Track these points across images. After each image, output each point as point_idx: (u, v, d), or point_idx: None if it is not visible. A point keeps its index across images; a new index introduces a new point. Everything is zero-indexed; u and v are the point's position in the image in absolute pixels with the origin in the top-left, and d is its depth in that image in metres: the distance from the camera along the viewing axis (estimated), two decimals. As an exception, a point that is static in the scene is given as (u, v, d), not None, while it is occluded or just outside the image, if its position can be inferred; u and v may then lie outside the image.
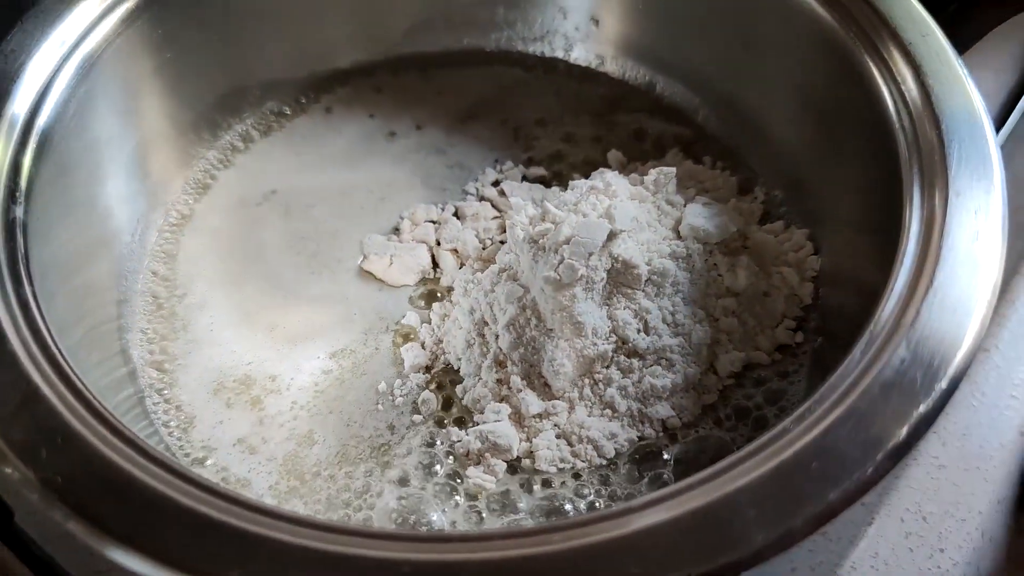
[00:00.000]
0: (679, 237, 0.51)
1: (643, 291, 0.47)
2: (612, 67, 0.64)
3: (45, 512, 0.33)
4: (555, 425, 0.46)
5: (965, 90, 0.44)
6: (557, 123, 0.62)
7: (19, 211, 0.42)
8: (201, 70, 0.57)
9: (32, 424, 0.34)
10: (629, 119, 0.62)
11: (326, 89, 0.63)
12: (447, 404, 0.49)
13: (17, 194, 0.42)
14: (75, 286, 0.46)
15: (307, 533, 0.31)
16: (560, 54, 0.65)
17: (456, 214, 0.57)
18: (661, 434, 0.47)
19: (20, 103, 0.44)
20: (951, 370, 0.35)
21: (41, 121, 0.45)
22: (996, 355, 0.50)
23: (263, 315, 0.52)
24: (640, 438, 0.46)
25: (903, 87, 0.44)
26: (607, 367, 0.47)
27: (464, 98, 0.63)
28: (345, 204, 0.58)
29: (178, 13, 0.53)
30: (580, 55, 0.64)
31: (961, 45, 0.47)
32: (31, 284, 0.39)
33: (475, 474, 0.45)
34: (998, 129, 0.50)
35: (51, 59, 0.46)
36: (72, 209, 0.48)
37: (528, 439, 0.46)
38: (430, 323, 0.52)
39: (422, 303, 0.54)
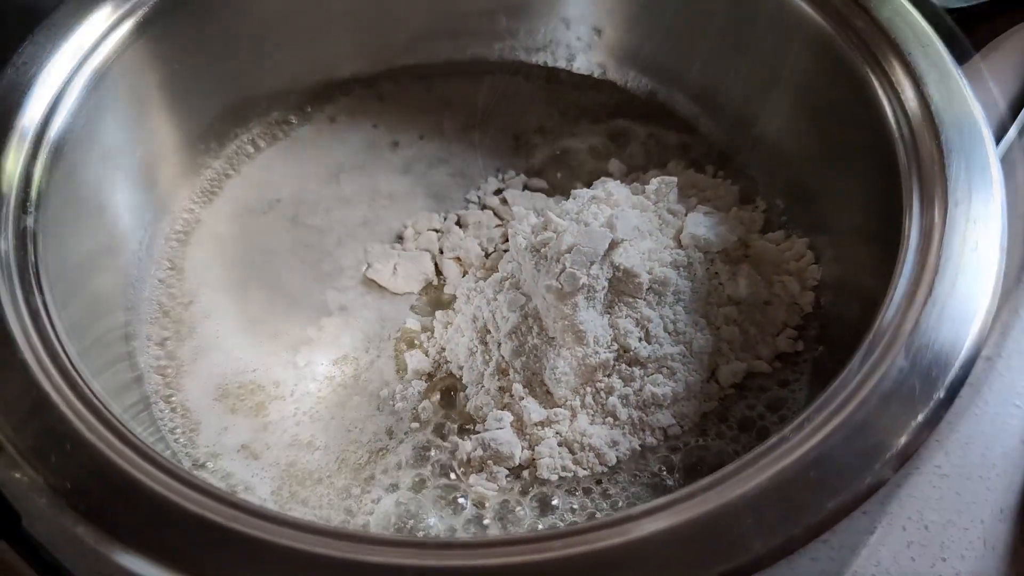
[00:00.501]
0: (680, 246, 0.51)
1: (644, 300, 0.48)
2: (614, 76, 0.64)
3: (53, 517, 0.33)
4: (557, 433, 0.47)
5: (965, 100, 0.44)
6: (559, 132, 0.62)
7: (30, 221, 0.42)
8: (208, 81, 0.57)
9: (41, 430, 0.35)
10: (631, 128, 0.62)
11: (330, 99, 0.64)
12: (448, 411, 0.49)
13: (28, 204, 0.43)
14: (84, 294, 0.47)
15: (312, 539, 0.32)
16: (562, 64, 0.65)
17: (458, 223, 0.58)
18: (662, 442, 0.47)
19: (31, 114, 0.45)
20: (949, 379, 0.36)
21: (52, 132, 0.45)
22: (1000, 363, 0.50)
23: (268, 322, 0.53)
24: (641, 446, 0.47)
25: (903, 97, 0.45)
26: (608, 376, 0.47)
27: (466, 108, 0.64)
28: (349, 212, 0.58)
29: (185, 26, 0.54)
30: (582, 65, 0.64)
31: (961, 56, 0.47)
32: (41, 292, 0.40)
33: (477, 481, 0.45)
34: (999, 139, 0.50)
35: (62, 71, 0.47)
36: (81, 218, 0.48)
37: (530, 447, 0.46)
38: (432, 331, 0.52)
39: (425, 311, 0.54)
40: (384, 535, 0.34)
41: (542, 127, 0.62)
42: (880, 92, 0.45)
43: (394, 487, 0.46)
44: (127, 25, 0.50)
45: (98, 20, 0.49)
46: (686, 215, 0.53)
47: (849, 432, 0.34)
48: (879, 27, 0.47)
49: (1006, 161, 0.43)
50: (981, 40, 0.52)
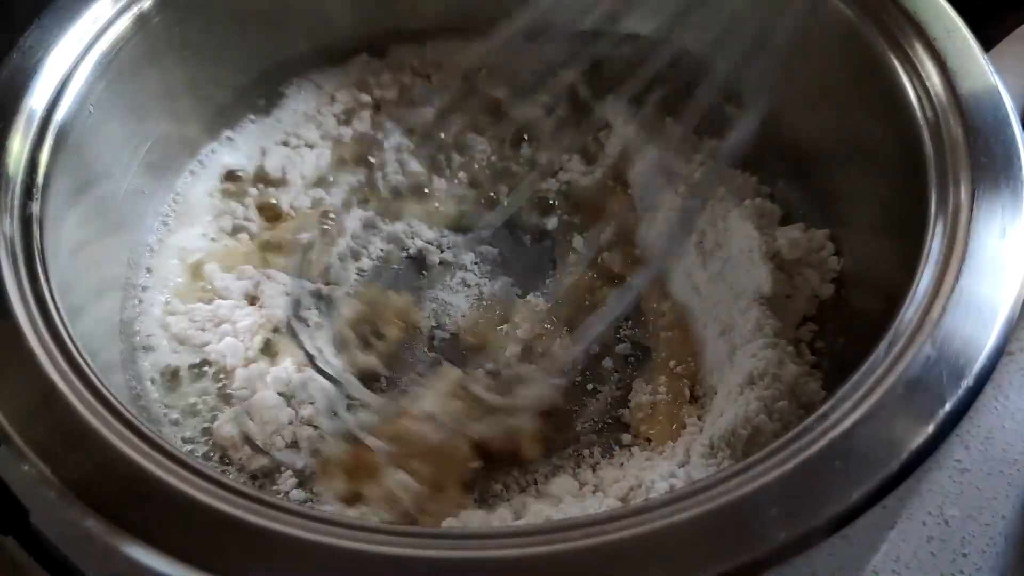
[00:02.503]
0: None
1: None
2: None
3: (63, 511, 0.32)
4: None
5: (991, 87, 0.43)
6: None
7: (35, 207, 0.42)
8: (216, 66, 0.57)
9: (49, 421, 0.34)
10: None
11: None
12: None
13: (34, 190, 0.42)
14: (90, 281, 0.46)
15: (326, 530, 0.31)
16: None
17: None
18: None
19: (38, 99, 0.45)
20: (977, 368, 0.35)
21: (59, 117, 0.45)
22: (1021, 357, 0.49)
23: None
24: None
25: (928, 83, 0.44)
26: None
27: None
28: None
29: (194, 11, 0.53)
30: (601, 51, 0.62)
31: (986, 43, 0.46)
32: (47, 279, 0.39)
33: None
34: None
35: (69, 56, 0.46)
36: (88, 205, 0.48)
37: None
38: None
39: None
40: (400, 527, 0.33)
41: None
42: (904, 78, 0.45)
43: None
44: (135, 9, 0.50)
45: (106, 4, 0.49)
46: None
47: (875, 422, 0.34)
48: (903, 13, 0.46)
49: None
50: (1007, 28, 0.52)
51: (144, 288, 0.52)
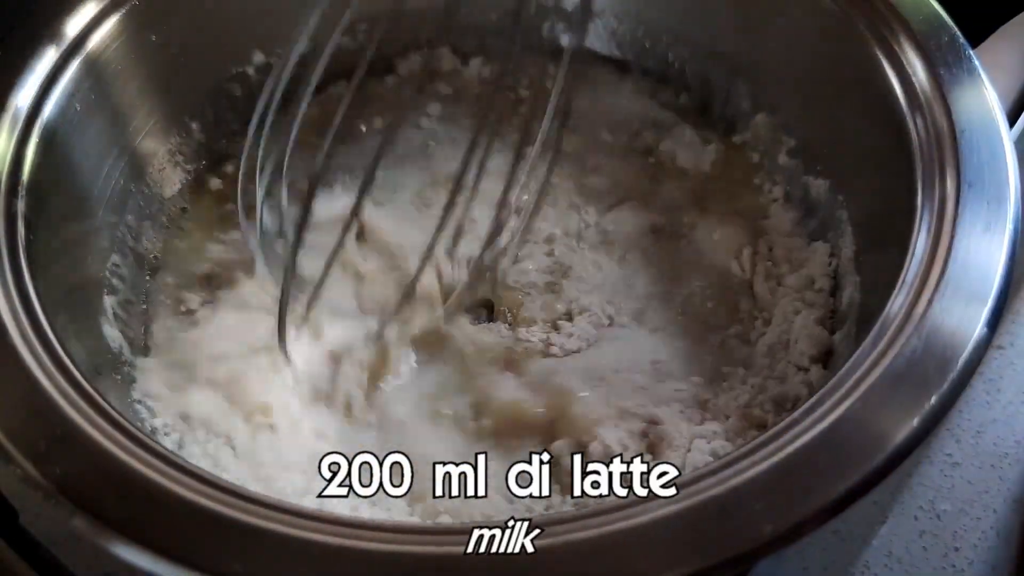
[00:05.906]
0: None
1: None
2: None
3: (50, 510, 0.32)
4: None
5: (977, 81, 0.43)
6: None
7: (21, 204, 0.42)
8: (205, 68, 0.57)
9: (36, 421, 0.34)
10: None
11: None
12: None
13: (19, 188, 0.42)
14: (74, 279, 0.46)
15: (309, 526, 0.31)
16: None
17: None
18: None
19: (24, 97, 0.45)
20: (962, 362, 0.35)
21: (45, 115, 0.45)
22: (1011, 351, 0.49)
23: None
24: None
25: (914, 79, 0.44)
26: None
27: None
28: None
29: (182, 10, 0.53)
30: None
31: (972, 39, 0.46)
32: (32, 277, 0.39)
33: None
34: (1013, 121, 0.49)
35: (56, 54, 0.46)
36: (73, 203, 0.48)
37: None
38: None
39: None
40: (384, 522, 0.33)
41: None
42: (890, 72, 0.45)
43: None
44: (124, 8, 0.50)
45: (94, 3, 0.49)
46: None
47: (861, 415, 0.34)
48: (888, 7, 0.46)
49: (1018, 148, 0.42)
50: (992, 25, 0.52)
51: (128, 284, 0.52)
